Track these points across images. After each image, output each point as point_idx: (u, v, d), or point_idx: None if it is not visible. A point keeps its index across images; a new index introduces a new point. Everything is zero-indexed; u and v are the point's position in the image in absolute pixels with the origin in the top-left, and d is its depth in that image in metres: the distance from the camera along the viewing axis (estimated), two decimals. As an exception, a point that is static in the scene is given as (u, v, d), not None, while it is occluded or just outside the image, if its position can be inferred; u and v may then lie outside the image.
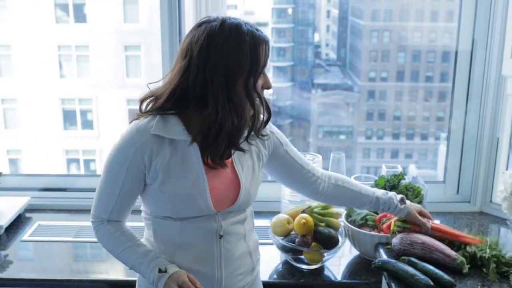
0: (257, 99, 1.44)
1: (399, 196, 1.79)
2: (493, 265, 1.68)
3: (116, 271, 1.97)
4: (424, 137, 3.45)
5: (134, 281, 1.67)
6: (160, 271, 1.44)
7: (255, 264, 1.64)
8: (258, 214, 2.29)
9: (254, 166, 1.57)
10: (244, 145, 1.52)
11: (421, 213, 1.83)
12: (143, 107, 1.48)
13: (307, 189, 1.72)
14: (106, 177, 1.48)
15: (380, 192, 1.78)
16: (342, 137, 3.41)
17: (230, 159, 1.52)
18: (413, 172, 2.39)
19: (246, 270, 1.60)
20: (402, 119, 3.22)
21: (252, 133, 1.51)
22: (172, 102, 1.42)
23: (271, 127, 1.63)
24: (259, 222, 2.11)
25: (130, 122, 1.48)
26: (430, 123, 3.13)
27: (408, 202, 1.81)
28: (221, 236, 1.51)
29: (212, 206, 1.48)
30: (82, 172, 6.47)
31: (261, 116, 1.52)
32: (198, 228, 1.49)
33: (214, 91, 1.37)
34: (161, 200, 1.46)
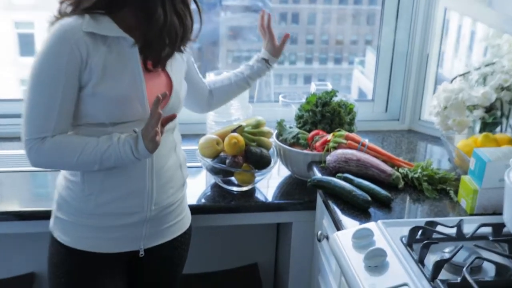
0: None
1: (262, 59, 1.87)
2: (425, 184, 1.71)
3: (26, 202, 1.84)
4: (337, 61, 3.42)
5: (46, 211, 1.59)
6: (134, 132, 1.41)
7: (185, 179, 1.64)
8: (183, 136, 2.21)
9: (182, 71, 1.60)
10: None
11: (277, 45, 1.88)
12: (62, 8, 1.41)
13: (203, 102, 1.84)
14: (39, 90, 1.35)
15: (247, 69, 1.87)
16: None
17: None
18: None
19: (177, 184, 1.58)
20: (315, 43, 3.16)
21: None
22: (106, 3, 1.37)
23: None
24: (184, 146, 2.04)
25: (52, 24, 1.38)
26: (358, 47, 3.09)
27: (268, 52, 1.87)
28: None
29: (149, 109, 1.43)
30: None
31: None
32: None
33: None
34: (94, 104, 1.38)
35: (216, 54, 2.89)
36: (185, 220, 1.66)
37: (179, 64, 1.57)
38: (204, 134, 2.00)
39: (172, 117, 1.43)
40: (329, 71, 3.34)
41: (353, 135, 1.90)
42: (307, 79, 3.45)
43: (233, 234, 2.30)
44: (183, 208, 1.64)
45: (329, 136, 1.89)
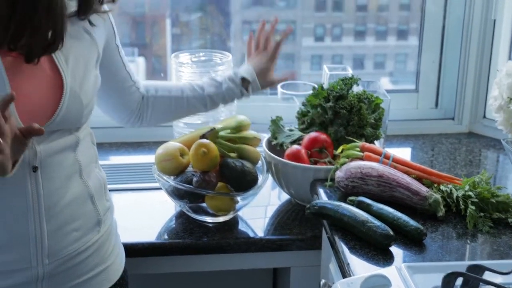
0: None
1: (237, 77, 1.87)
2: (471, 209, 1.66)
3: None
4: (401, 35, 3.39)
5: None
6: None
7: (101, 216, 1.60)
8: (138, 145, 2.18)
9: (88, 60, 1.53)
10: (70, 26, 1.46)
11: (269, 69, 1.91)
12: None
13: (129, 110, 1.81)
14: None
15: (212, 86, 1.87)
16: (278, 38, 3.32)
17: None
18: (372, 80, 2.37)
19: (86, 224, 1.56)
20: (369, 9, 3.14)
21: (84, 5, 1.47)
22: None
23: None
24: (138, 158, 2.06)
25: None
26: (411, 14, 3.08)
27: (249, 71, 1.88)
28: (35, 169, 1.44)
29: (19, 121, 1.40)
30: None
31: None
32: None
33: None
34: None
35: (226, 27, 2.90)
36: (111, 271, 1.63)
37: (81, 47, 1.52)
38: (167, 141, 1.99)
39: (36, 131, 1.33)
40: (390, 50, 3.33)
41: (371, 146, 1.87)
42: (357, 62, 3.43)
43: (205, 285, 2.29)
44: (104, 254, 1.61)
45: (338, 150, 1.89)
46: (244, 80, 1.86)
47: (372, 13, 3.18)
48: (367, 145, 1.88)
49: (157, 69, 3.16)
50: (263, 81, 1.88)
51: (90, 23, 1.52)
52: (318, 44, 3.52)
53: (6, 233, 1.44)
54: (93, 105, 1.56)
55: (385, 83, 3.11)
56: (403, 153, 2.29)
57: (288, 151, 1.93)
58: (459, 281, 1.35)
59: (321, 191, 1.82)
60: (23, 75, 1.42)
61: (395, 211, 1.62)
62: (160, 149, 1.91)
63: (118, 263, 1.66)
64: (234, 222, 1.92)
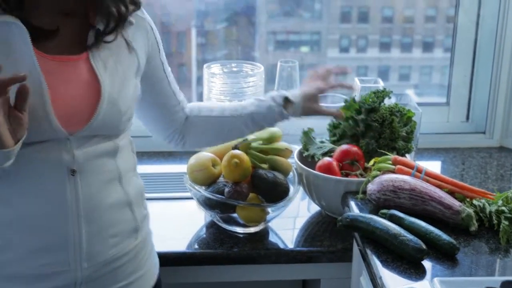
0: None
1: (280, 96, 1.80)
2: (504, 224, 1.66)
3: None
4: (427, 47, 3.38)
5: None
6: None
7: (139, 223, 1.61)
8: (169, 154, 2.19)
9: (126, 68, 1.54)
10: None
11: (316, 97, 1.85)
12: None
13: (171, 129, 1.79)
14: None
15: (253, 105, 1.81)
16: (304, 49, 3.33)
17: (84, 53, 1.47)
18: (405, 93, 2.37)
19: (123, 230, 1.57)
20: (395, 21, 3.15)
21: (123, 9, 1.50)
22: None
23: (144, 14, 1.62)
24: (169, 168, 2.07)
25: None
26: (437, 26, 3.07)
27: (295, 94, 1.82)
28: (73, 172, 1.46)
29: (57, 123, 1.42)
30: None
31: None
32: (37, 161, 1.42)
33: None
34: None
35: (251, 38, 2.91)
36: (146, 278, 1.65)
37: (120, 55, 1.54)
38: (197, 152, 2.00)
39: (18, 79, 1.28)
40: (416, 62, 3.33)
41: (404, 159, 1.88)
42: (383, 73, 3.44)
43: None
44: (140, 261, 1.62)
45: (370, 162, 1.89)
46: (287, 102, 1.79)
47: (397, 25, 3.19)
48: (399, 158, 1.88)
49: (182, 79, 3.17)
50: (307, 107, 1.80)
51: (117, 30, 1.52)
52: (343, 55, 3.53)
53: (45, 236, 1.45)
54: (131, 114, 1.57)
55: (410, 95, 3.12)
56: (434, 166, 2.29)
57: (319, 163, 1.94)
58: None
59: (352, 204, 1.82)
60: (61, 79, 1.43)
61: (428, 225, 1.62)
62: (192, 159, 1.93)
63: (153, 271, 1.67)
64: (264, 233, 1.92)
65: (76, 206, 1.46)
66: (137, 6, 1.55)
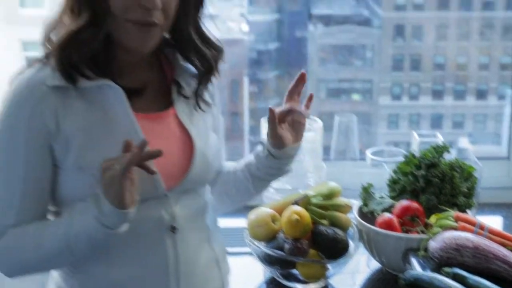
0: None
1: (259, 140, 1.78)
2: None
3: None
4: (481, 95, 3.38)
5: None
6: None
7: (224, 279, 1.66)
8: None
9: (206, 121, 1.62)
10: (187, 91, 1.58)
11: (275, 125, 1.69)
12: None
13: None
14: None
15: (247, 158, 1.80)
16: (355, 96, 3.36)
17: (171, 109, 1.54)
18: (463, 146, 2.36)
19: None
20: (447, 68, 3.15)
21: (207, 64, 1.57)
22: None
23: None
24: (229, 222, 2.08)
25: (12, 81, 1.45)
26: (490, 74, 3.07)
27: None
28: (173, 229, 1.50)
29: (160, 180, 1.47)
30: None
31: None
32: (137, 221, 1.43)
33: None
34: (79, 182, 1.43)
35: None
36: None
37: (195, 111, 1.59)
38: (258, 206, 2.01)
39: (156, 154, 1.35)
40: (469, 110, 3.33)
41: (466, 216, 1.87)
42: (436, 122, 3.44)
43: None
44: None
45: (431, 219, 1.88)
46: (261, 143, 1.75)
47: (450, 72, 3.20)
48: (461, 215, 1.86)
49: (235, 129, 3.20)
50: (273, 135, 1.68)
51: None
52: (395, 103, 3.53)
53: None
54: (218, 165, 1.63)
55: (463, 143, 3.09)
56: (495, 222, 2.27)
57: (379, 219, 1.93)
58: None
59: (414, 261, 1.79)
60: (156, 136, 1.48)
61: (492, 284, 1.60)
62: (252, 215, 1.93)
63: None
64: (324, 289, 1.92)
65: (176, 265, 1.50)
66: (220, 53, 1.59)
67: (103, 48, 1.42)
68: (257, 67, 2.86)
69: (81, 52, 1.38)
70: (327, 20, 2.69)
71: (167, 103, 1.54)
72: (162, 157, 1.42)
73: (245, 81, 3.04)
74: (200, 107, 1.59)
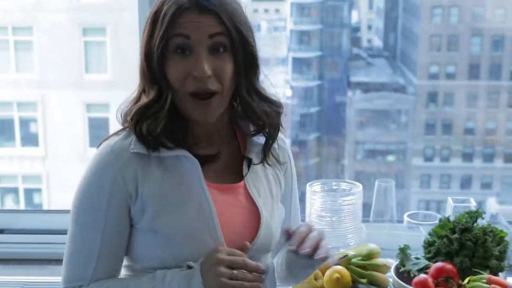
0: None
1: None
2: None
3: None
4: (509, 158, 3.47)
5: None
6: (188, 267, 1.46)
7: None
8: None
9: (273, 193, 1.63)
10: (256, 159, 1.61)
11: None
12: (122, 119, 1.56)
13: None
14: (76, 230, 1.52)
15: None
16: (390, 158, 3.47)
17: (241, 181, 1.58)
18: (493, 209, 2.41)
19: None
20: (477, 133, 3.26)
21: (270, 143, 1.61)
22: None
23: (286, 144, 1.73)
24: None
25: (99, 146, 1.54)
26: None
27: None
28: None
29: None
30: (22, 207, 6.48)
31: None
32: None
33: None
34: (152, 243, 1.50)
35: (341, 147, 3.04)
36: None
37: (269, 180, 1.63)
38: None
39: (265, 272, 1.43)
40: (497, 172, 3.39)
41: (498, 279, 1.91)
42: (465, 183, 3.52)
43: None
44: None
45: (465, 281, 1.92)
46: None
47: (479, 137, 3.29)
48: (494, 277, 1.90)
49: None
50: None
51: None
52: (427, 164, 3.63)
53: None
54: (278, 235, 1.60)
55: (492, 203, 3.15)
56: (525, 284, 2.28)
57: (415, 280, 1.95)
58: None
59: (449, 321, 1.83)
60: (225, 206, 1.53)
61: None
62: (296, 273, 1.98)
63: None
64: None
65: None
66: (281, 108, 1.63)
67: (179, 121, 1.51)
68: (300, 130, 2.95)
69: (153, 125, 1.47)
70: (365, 87, 2.82)
71: (239, 175, 1.58)
72: (230, 227, 1.52)
73: (287, 142, 3.13)
74: (268, 163, 1.62)
